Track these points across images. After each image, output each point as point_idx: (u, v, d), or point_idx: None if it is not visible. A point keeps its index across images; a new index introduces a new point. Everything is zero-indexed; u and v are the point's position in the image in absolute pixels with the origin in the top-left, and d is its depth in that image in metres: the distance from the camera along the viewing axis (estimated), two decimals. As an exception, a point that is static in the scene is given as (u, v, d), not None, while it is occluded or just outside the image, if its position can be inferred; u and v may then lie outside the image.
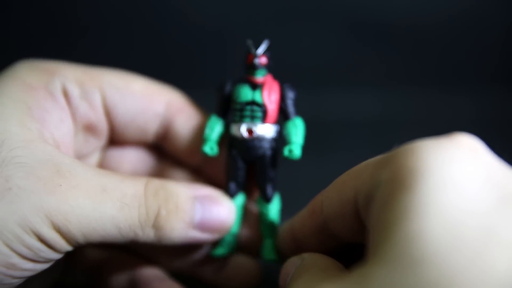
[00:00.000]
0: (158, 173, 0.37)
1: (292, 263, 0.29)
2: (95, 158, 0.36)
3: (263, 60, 0.32)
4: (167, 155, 0.37)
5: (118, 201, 0.28)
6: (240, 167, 0.34)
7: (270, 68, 0.33)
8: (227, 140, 0.34)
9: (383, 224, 0.22)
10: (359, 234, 0.27)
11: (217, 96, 0.34)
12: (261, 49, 0.32)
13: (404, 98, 0.66)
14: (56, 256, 0.28)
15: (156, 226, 0.30)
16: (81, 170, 0.28)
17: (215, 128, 0.34)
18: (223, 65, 0.63)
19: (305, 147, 0.32)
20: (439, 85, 0.68)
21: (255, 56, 0.32)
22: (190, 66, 0.68)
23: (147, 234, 0.30)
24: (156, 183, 0.30)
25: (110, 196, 0.28)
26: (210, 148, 0.33)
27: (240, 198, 0.34)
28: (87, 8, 0.68)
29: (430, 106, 0.66)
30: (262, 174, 0.33)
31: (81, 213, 0.27)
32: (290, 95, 0.33)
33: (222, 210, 0.32)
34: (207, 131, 0.34)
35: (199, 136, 0.35)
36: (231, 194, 0.34)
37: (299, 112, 0.33)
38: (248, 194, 0.36)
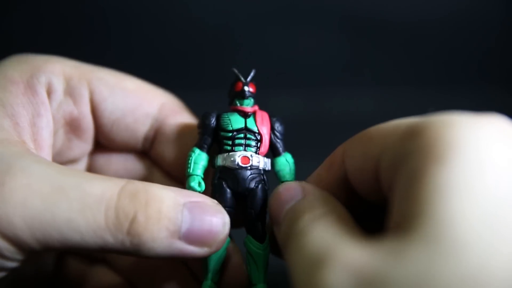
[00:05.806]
0: (148, 181, 0.33)
1: (292, 190, 0.27)
2: (82, 164, 0.35)
3: (252, 88, 0.31)
4: (157, 163, 0.35)
5: (76, 202, 0.25)
6: (230, 203, 0.30)
7: (255, 98, 0.32)
8: (212, 175, 0.31)
9: (416, 196, 0.21)
10: (377, 192, 0.25)
11: (200, 128, 0.32)
12: (250, 77, 0.31)
13: (404, 98, 0.66)
14: (9, 264, 0.25)
15: (132, 233, 0.25)
16: (38, 169, 0.25)
17: (200, 162, 0.31)
18: (222, 66, 0.63)
19: (305, 147, 0.32)
20: (438, 85, 0.69)
21: (244, 84, 0.31)
22: (189, 67, 0.68)
23: (121, 242, 0.26)
24: (138, 185, 0.27)
25: (66, 196, 0.25)
26: (198, 183, 0.30)
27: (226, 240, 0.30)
28: (88, 10, 0.68)
29: (429, 106, 0.66)
30: (255, 209, 0.30)
31: (28, 214, 0.24)
32: (280, 129, 0.31)
33: (215, 220, 0.28)
34: (191, 166, 0.31)
35: (190, 144, 0.32)
36: None
37: (299, 112, 0.32)
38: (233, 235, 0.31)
